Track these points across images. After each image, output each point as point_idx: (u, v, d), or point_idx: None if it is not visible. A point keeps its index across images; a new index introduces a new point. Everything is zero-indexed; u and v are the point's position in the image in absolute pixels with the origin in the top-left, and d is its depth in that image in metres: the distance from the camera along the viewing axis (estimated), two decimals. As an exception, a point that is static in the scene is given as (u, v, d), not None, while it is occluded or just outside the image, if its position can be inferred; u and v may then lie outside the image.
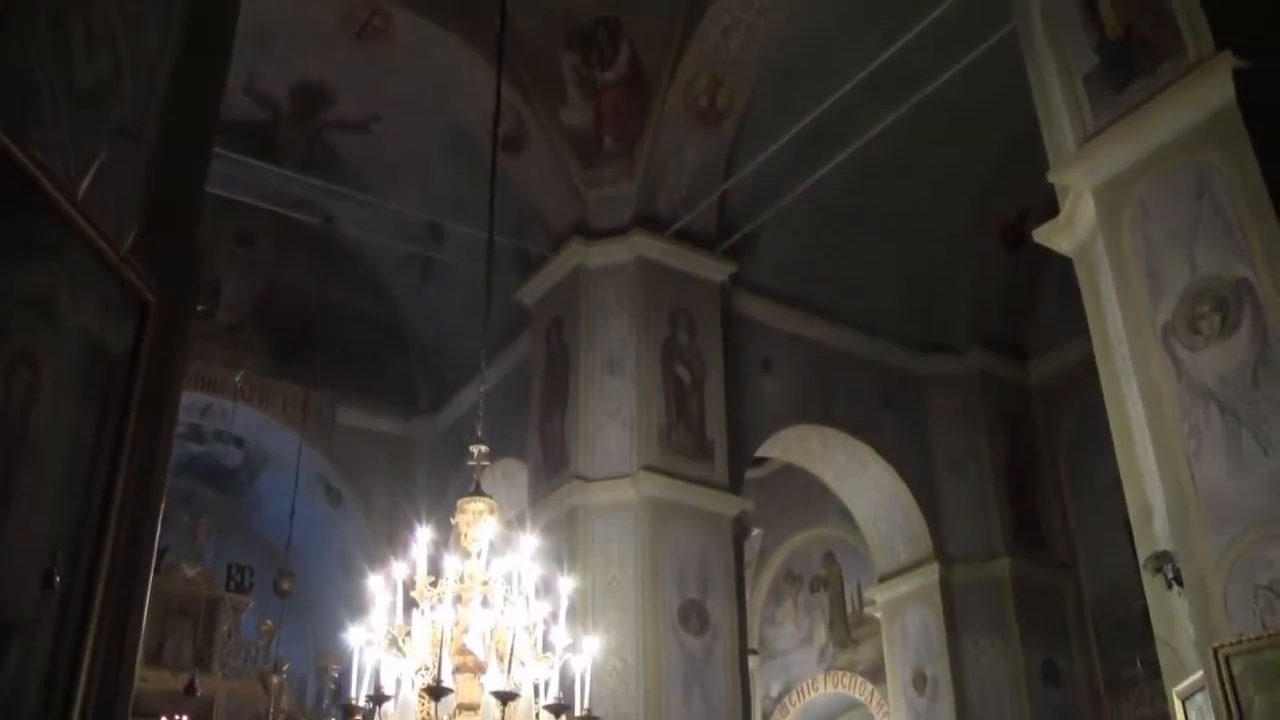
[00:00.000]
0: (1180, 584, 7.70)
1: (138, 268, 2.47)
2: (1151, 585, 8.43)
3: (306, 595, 16.13)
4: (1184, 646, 7.83)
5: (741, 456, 13.64)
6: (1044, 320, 15.81)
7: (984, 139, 14.35)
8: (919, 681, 14.72)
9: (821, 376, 14.71)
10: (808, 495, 16.91)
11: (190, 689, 12.19)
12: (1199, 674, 7.30)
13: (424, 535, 7.23)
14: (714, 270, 13.89)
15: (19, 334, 2.21)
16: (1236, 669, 6.77)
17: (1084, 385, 11.48)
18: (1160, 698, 8.69)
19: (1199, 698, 7.46)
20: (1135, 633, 11.35)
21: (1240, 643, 6.81)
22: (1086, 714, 14.55)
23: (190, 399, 15.49)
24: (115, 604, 2.59)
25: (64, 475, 2.43)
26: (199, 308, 2.93)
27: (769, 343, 14.43)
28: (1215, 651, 6.90)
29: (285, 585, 14.33)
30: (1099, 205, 8.54)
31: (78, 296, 2.38)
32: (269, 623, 14.12)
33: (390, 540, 10.05)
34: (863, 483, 15.40)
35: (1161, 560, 8.10)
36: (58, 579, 2.32)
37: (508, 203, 12.47)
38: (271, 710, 12.56)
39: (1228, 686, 6.75)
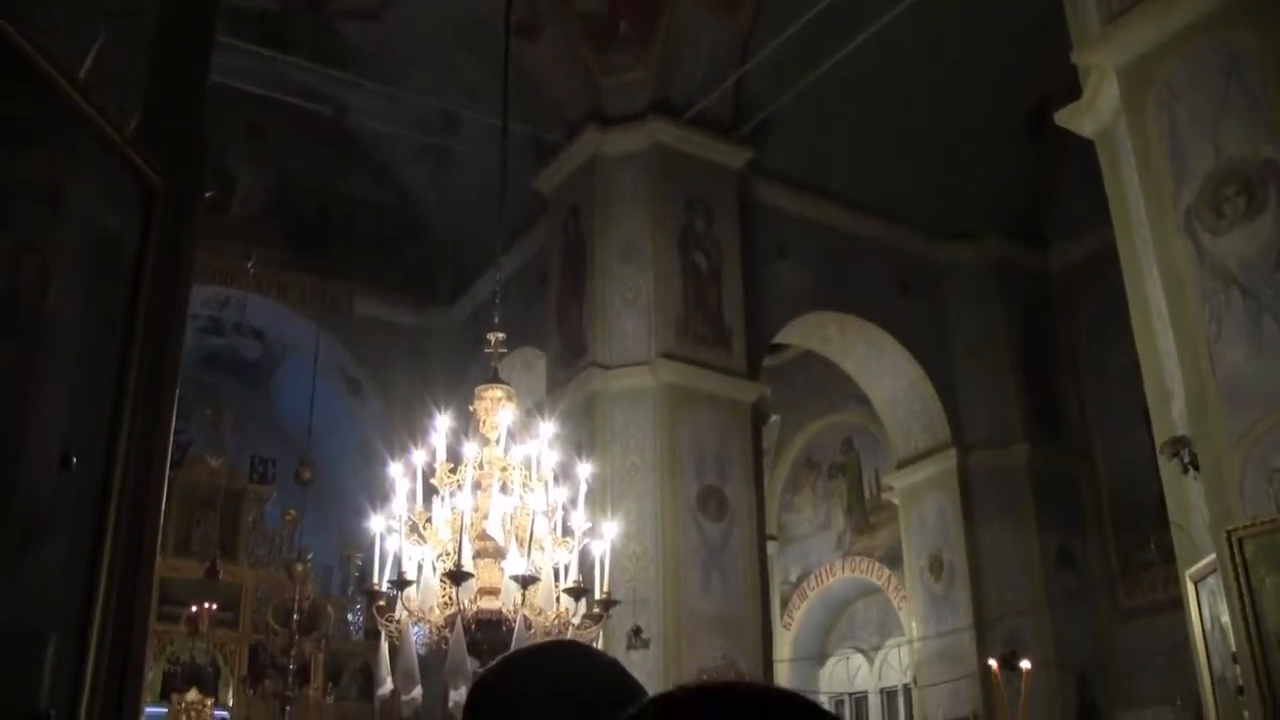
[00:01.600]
0: (1196, 468, 7.72)
1: (143, 152, 2.44)
2: (1168, 470, 8.45)
3: (328, 484, 16.32)
4: (1198, 530, 7.87)
5: (759, 343, 13.65)
6: (1063, 207, 15.64)
7: (1006, 20, 14.04)
8: (935, 566, 14.89)
9: (839, 263, 14.64)
10: (826, 382, 16.92)
11: (212, 572, 12.43)
12: (1211, 557, 7.35)
13: (443, 423, 7.29)
14: (731, 156, 13.75)
15: (23, 222, 2.19)
16: (1249, 551, 6.80)
17: (1103, 272, 11.39)
18: (1173, 581, 8.76)
19: (1211, 580, 7.52)
20: (1150, 518, 11.43)
21: (1253, 525, 6.83)
22: (1101, 598, 14.71)
23: (208, 292, 15.54)
24: (133, 493, 2.61)
25: (76, 366, 2.43)
26: (207, 194, 2.90)
27: (786, 229, 14.34)
28: (1229, 534, 6.93)
29: (307, 475, 14.50)
30: (1123, 86, 8.38)
31: (82, 183, 2.35)
32: (292, 512, 14.34)
33: (410, 429, 10.12)
34: (881, 369, 15.41)
35: (1178, 445, 8.10)
36: (74, 460, 2.33)
37: (523, 91, 12.34)
38: (297, 598, 12.79)
39: (1240, 569, 6.79)
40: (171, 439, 2.64)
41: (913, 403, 15.39)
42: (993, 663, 3.28)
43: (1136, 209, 8.47)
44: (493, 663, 1.50)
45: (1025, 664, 3.26)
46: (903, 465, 15.61)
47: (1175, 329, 7.87)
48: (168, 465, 2.65)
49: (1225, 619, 7.19)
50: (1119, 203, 8.85)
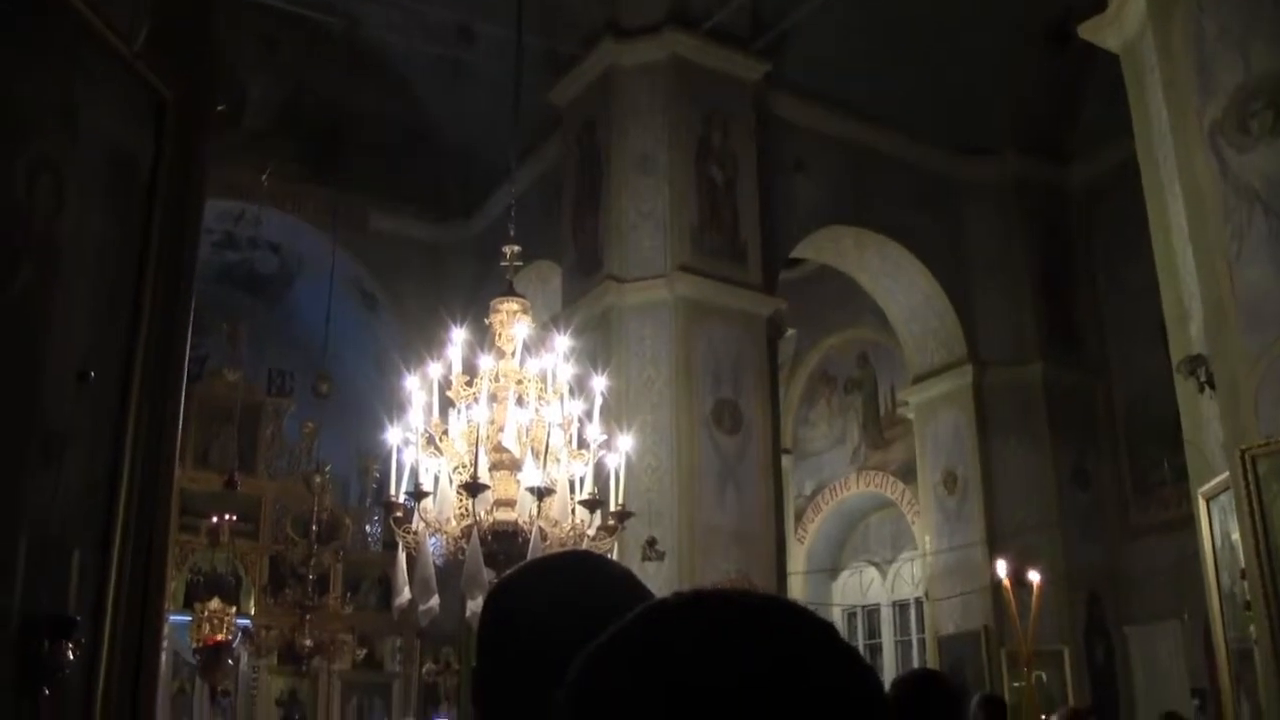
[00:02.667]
0: (1212, 387, 7.71)
1: (153, 65, 2.43)
2: (1183, 388, 8.45)
3: (345, 397, 16.42)
4: (1212, 449, 7.88)
5: (775, 257, 13.60)
6: (1085, 123, 15.44)
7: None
8: (949, 482, 14.96)
9: (857, 178, 14.53)
10: (842, 297, 16.87)
11: (230, 483, 12.57)
12: (1224, 475, 7.37)
13: (458, 336, 7.31)
14: (748, 69, 13.58)
15: (38, 139, 2.19)
16: (1262, 470, 6.83)
17: (1123, 189, 11.24)
18: (1185, 499, 8.81)
19: (1223, 498, 7.55)
20: (1164, 437, 11.43)
21: (1268, 444, 6.85)
22: (1113, 515, 14.79)
23: (222, 206, 15.52)
24: (151, 406, 2.64)
25: (92, 283, 2.45)
26: (219, 108, 2.89)
27: (804, 143, 14.21)
28: (1242, 453, 6.95)
29: (324, 388, 14.58)
30: (1150, -2, 8.24)
31: (94, 99, 2.34)
32: (310, 425, 14.45)
33: (426, 342, 10.17)
34: (897, 285, 15.37)
35: (1195, 363, 8.09)
36: (91, 375, 2.36)
37: (537, 2, 12.18)
38: (315, 509, 12.94)
39: (1252, 487, 6.82)
40: (188, 352, 2.67)
41: (929, 318, 15.36)
42: (1004, 577, 3.31)
43: (1160, 124, 8.37)
44: (508, 572, 1.52)
45: (1036, 578, 3.29)
46: (918, 381, 15.62)
47: (1195, 246, 7.82)
48: (184, 378, 2.68)
49: (1235, 536, 7.23)
50: (1142, 118, 8.75)
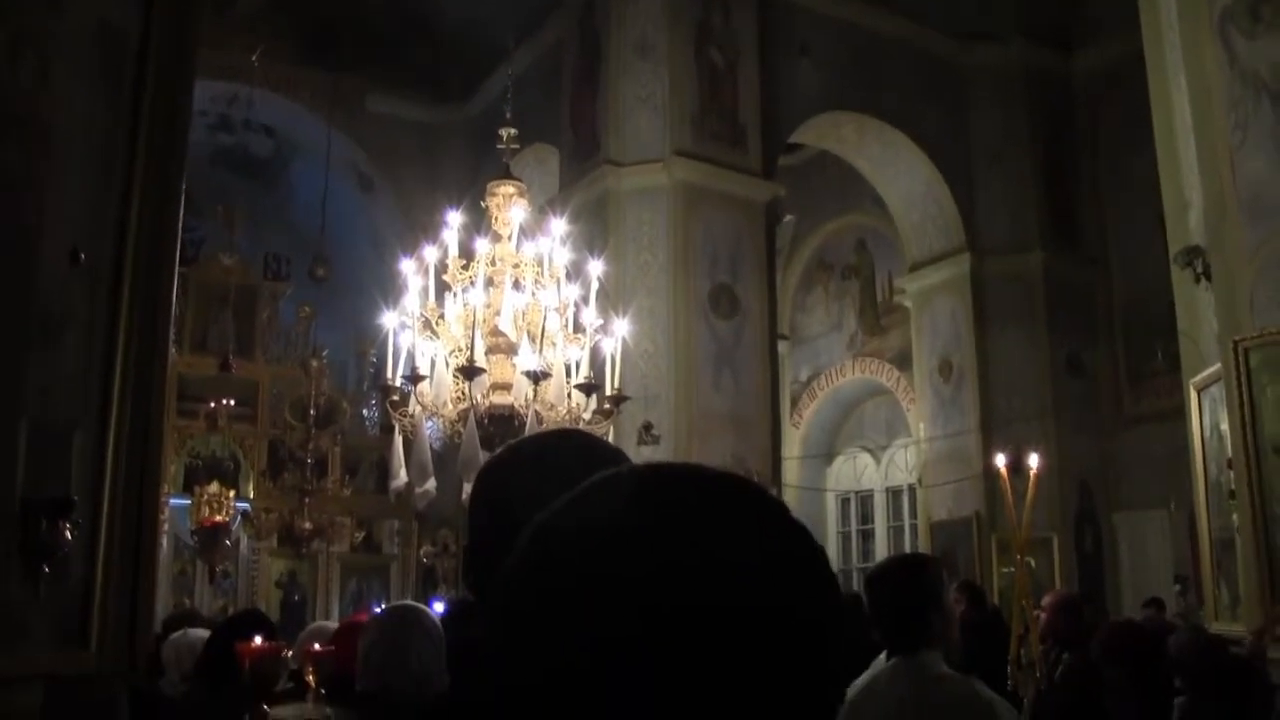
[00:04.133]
0: (1208, 278, 7.70)
1: (141, -59, 2.38)
2: (1180, 279, 8.44)
3: (342, 281, 16.39)
4: (1205, 340, 7.91)
5: (775, 142, 13.48)
6: (1092, 11, 15.16)
7: None
8: (945, 369, 15.02)
9: (860, 63, 14.32)
10: (842, 183, 16.76)
11: (225, 365, 12.60)
12: (1216, 366, 7.41)
13: (455, 219, 7.27)
14: (751, -51, 13.31)
15: (19, 14, 2.15)
16: (1254, 362, 6.85)
17: (1128, 78, 11.07)
18: (1178, 391, 8.84)
19: (1214, 389, 7.60)
20: (1159, 328, 11.44)
21: (1261, 336, 6.87)
22: (1107, 405, 14.88)
23: (216, 89, 15.30)
24: (145, 287, 2.64)
25: (82, 162, 2.43)
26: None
27: (806, 26, 13.97)
28: (1235, 344, 6.97)
29: (320, 271, 14.53)
30: (1160, -122, 8.05)
31: (80, -27, 2.30)
32: (307, 309, 14.42)
33: (423, 225, 10.11)
34: (898, 171, 15.25)
35: (1192, 254, 8.08)
36: (82, 256, 2.35)
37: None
38: (313, 393, 13.00)
39: (1243, 378, 6.85)
40: (181, 234, 2.66)
41: (928, 206, 15.27)
42: (1002, 467, 3.36)
43: (1168, 10, 8.24)
44: (500, 449, 1.54)
45: (1034, 464, 3.33)
46: (916, 268, 15.60)
47: (1198, 136, 7.74)
48: (177, 259, 2.67)
49: (1224, 427, 7.29)
50: (1150, 5, 8.60)
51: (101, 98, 2.44)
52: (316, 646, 2.97)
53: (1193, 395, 8.13)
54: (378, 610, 3.35)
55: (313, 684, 2.79)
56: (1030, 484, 3.50)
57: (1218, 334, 7.42)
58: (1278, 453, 6.67)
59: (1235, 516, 7.15)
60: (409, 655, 2.72)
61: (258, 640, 2.84)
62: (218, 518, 11.82)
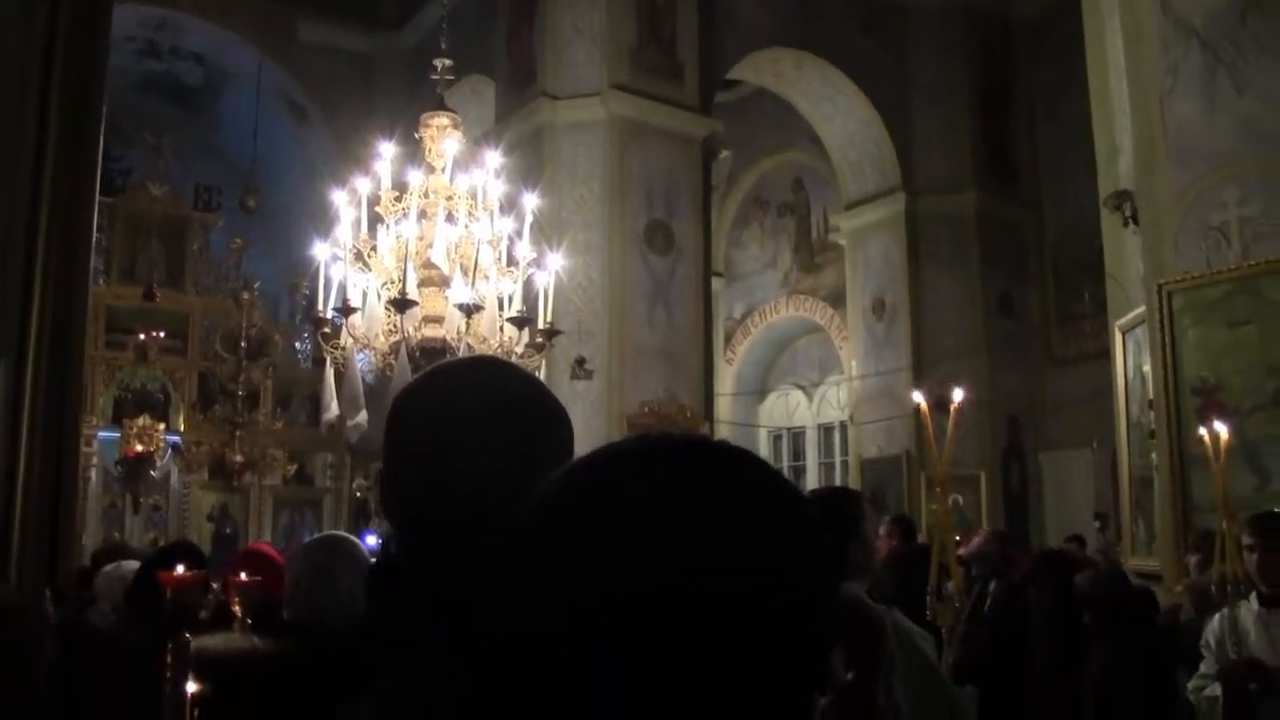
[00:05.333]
0: (1136, 222, 7.83)
1: None
2: (1109, 222, 8.57)
3: (274, 213, 16.15)
4: (1131, 283, 8.05)
5: (713, 78, 13.42)
6: (1033, -49, 15.20)
7: None
8: (878, 307, 15.15)
9: (800, -1, 14.26)
10: (779, 120, 16.73)
11: (149, 294, 12.41)
12: (1141, 309, 7.55)
13: (388, 150, 7.17)
14: (692, -121, 13.14)
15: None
16: (1177, 304, 7.00)
17: (1066, 22, 11.12)
18: (1104, 332, 9.02)
19: (1138, 331, 7.75)
20: (1089, 270, 11.62)
21: (1184, 279, 7.00)
22: (1037, 345, 15.11)
23: (143, 13, 14.94)
24: (64, 216, 2.58)
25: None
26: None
27: (747, -40, 13.87)
28: (1159, 287, 7.11)
29: (252, 202, 14.32)
30: None
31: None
32: (238, 241, 14.20)
33: (357, 157, 9.96)
34: (835, 109, 15.25)
35: (1122, 198, 8.20)
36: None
37: None
38: (244, 325, 12.85)
39: (1165, 321, 7.00)
40: (105, 161, 2.60)
41: (865, 144, 15.31)
42: (921, 400, 3.40)
43: (1103, -47, 8.29)
44: (418, 375, 1.54)
45: (958, 396, 3.39)
46: (851, 206, 15.66)
47: (1130, 81, 7.83)
48: (97, 183, 2.62)
49: (1147, 368, 7.46)
50: (1087, -53, 8.65)
51: (13, 14, 2.38)
52: (243, 577, 2.97)
53: (1117, 336, 8.29)
54: (306, 540, 3.36)
55: (239, 614, 2.79)
56: (951, 420, 3.56)
57: (1143, 277, 7.55)
58: (1196, 393, 6.83)
59: (1154, 455, 7.34)
60: (337, 584, 2.73)
61: (179, 569, 2.83)
62: (139, 448, 11.70)
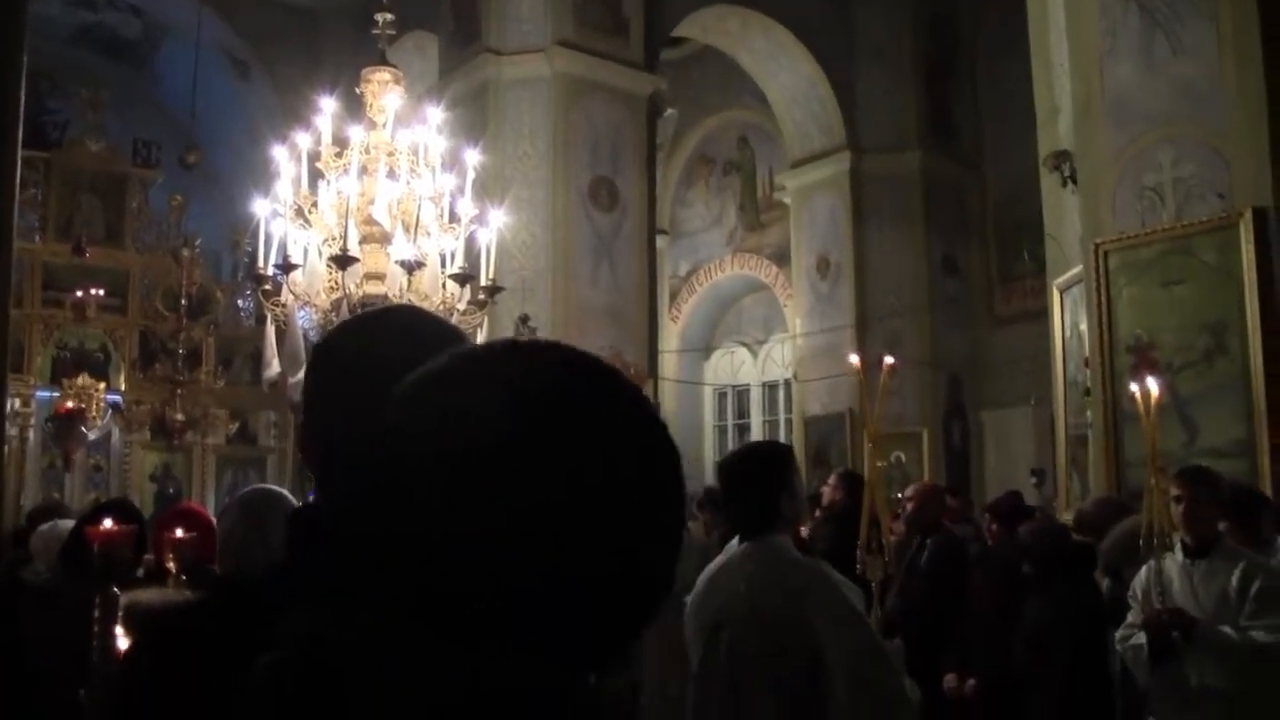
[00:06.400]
0: (1075, 182, 7.92)
1: None
2: (1048, 182, 8.67)
3: (216, 170, 15.94)
4: (1070, 242, 8.15)
5: (658, 35, 13.36)
6: (978, -91, 15.23)
7: None
8: (822, 266, 15.22)
9: (745, -45, 14.21)
10: (725, 78, 16.71)
11: (79, 250, 12.19)
12: (1078, 268, 7.66)
13: (329, 105, 7.10)
14: None
15: None
16: (1113, 264, 7.10)
17: (1010, -22, 11.18)
18: (1044, 292, 9.13)
19: (1076, 290, 7.87)
20: (1029, 230, 11.72)
21: (1120, 239, 7.11)
22: (979, 304, 15.26)
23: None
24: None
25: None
26: None
27: (693, -84, 13.80)
28: (1096, 247, 7.21)
29: (192, 158, 14.10)
30: None
31: None
32: (179, 197, 13.99)
33: (298, 112, 9.83)
34: (780, 68, 15.24)
35: (1060, 158, 8.29)
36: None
37: None
38: (184, 283, 12.70)
39: (1102, 280, 7.11)
40: (22, 113, 2.56)
41: (811, 103, 15.32)
42: (854, 359, 3.44)
43: (1046, -86, 8.33)
44: (339, 323, 1.55)
45: (889, 359, 3.43)
46: (796, 165, 15.70)
47: (1070, 41, 7.89)
48: (19, 134, 2.59)
49: (1084, 326, 7.57)
50: (1030, -93, 8.68)
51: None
52: (178, 533, 2.97)
53: (1056, 296, 8.40)
54: (237, 495, 3.36)
55: (173, 570, 2.79)
56: (883, 380, 3.61)
57: (1081, 237, 7.65)
58: (1130, 351, 6.95)
59: (1089, 413, 7.47)
60: (269, 537, 2.72)
61: (107, 523, 2.82)
62: (70, 405, 11.56)
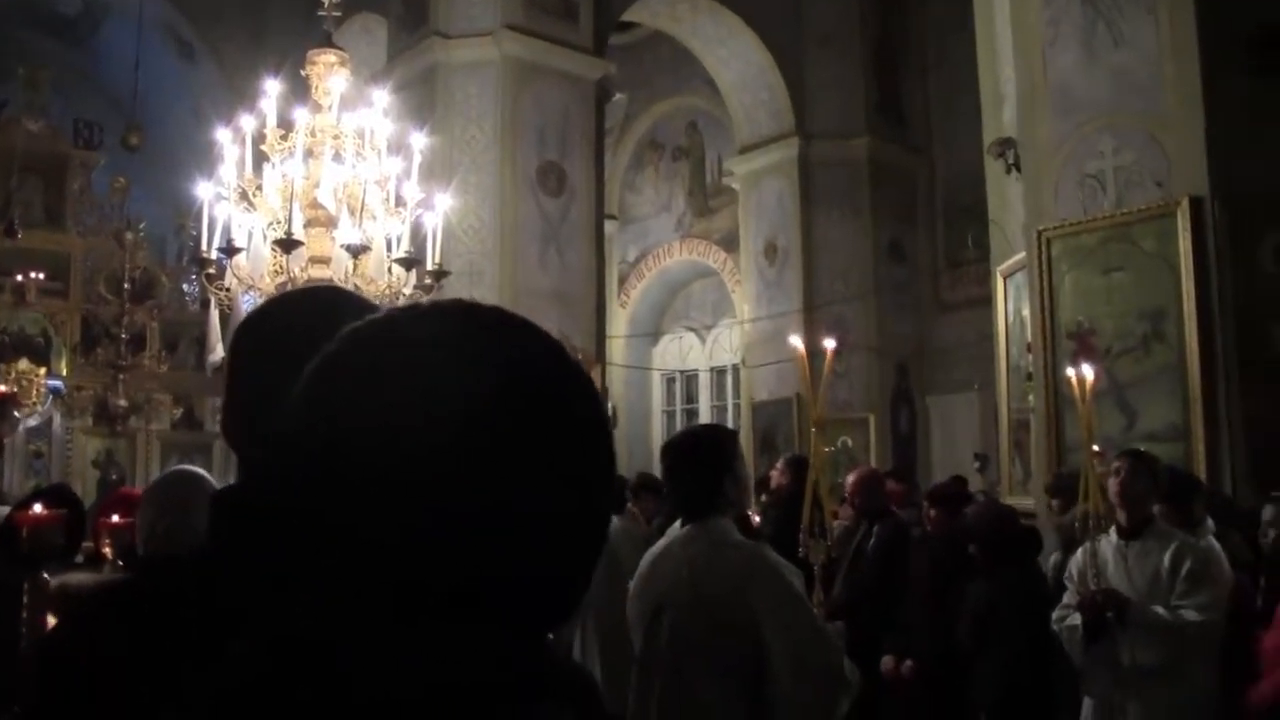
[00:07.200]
0: (1019, 169, 8.02)
1: None
2: (992, 170, 8.76)
3: (161, 152, 15.71)
4: (1014, 229, 8.25)
5: (607, 19, 13.33)
6: (927, -103, 15.31)
7: None
8: (770, 252, 15.28)
9: (694, -60, 14.20)
10: (674, 63, 16.71)
11: (10, 231, 11.97)
12: (1022, 255, 7.75)
13: (273, 87, 7.03)
14: None
15: None
16: (1055, 251, 7.20)
17: (958, -33, 11.26)
18: (989, 277, 9.23)
19: (1019, 277, 7.96)
20: (975, 217, 11.84)
21: (1062, 226, 7.20)
22: (925, 290, 15.38)
23: (9, -65, 14.35)
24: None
25: None
26: None
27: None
28: (1039, 234, 7.31)
29: (134, 140, 13.90)
30: None
31: None
32: (121, 180, 13.79)
33: (244, 94, 9.71)
34: (730, 53, 15.26)
35: (1005, 145, 8.38)
36: None
37: None
38: (127, 266, 12.53)
39: (1044, 266, 7.21)
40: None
41: (759, 89, 15.36)
42: (797, 343, 3.47)
43: (993, -97, 8.40)
44: (262, 302, 1.54)
45: (830, 343, 3.46)
46: (745, 151, 15.73)
47: (1015, 32, 7.98)
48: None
49: (1026, 312, 7.67)
50: (977, -104, 8.76)
51: None
52: (115, 519, 2.94)
53: (1000, 282, 8.50)
54: (154, 480, 3.31)
55: (109, 555, 2.77)
56: (826, 365, 3.64)
57: (1024, 223, 7.74)
58: (1071, 337, 7.05)
59: (1031, 398, 7.57)
60: (193, 520, 2.67)
61: (37, 508, 2.79)
62: (3, 388, 11.39)
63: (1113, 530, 4.38)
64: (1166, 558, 4.20)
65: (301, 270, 6.73)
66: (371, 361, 0.84)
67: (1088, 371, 4.58)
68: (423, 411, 0.80)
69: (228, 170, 7.02)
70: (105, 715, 1.10)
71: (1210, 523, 4.72)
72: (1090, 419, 4.57)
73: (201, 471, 2.96)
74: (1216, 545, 4.46)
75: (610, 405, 15.83)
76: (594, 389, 0.91)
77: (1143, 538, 4.31)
